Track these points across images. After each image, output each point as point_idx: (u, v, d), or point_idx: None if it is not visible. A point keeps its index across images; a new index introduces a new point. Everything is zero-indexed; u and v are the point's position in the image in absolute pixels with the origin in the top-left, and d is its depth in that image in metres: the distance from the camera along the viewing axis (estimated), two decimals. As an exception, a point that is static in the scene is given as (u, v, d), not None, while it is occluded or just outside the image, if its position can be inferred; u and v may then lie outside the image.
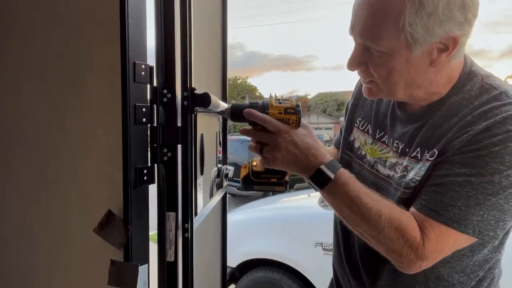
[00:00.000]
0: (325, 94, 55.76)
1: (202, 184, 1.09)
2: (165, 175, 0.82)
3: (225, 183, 1.49)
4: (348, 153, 1.06)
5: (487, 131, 0.77)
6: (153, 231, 0.78)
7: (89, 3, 0.71)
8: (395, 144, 0.93)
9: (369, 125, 1.02)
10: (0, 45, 0.75)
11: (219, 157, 1.49)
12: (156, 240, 0.84)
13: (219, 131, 1.48)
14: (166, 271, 0.84)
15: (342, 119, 1.21)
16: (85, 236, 0.72)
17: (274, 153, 0.83)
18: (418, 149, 0.86)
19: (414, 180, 0.84)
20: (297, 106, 0.85)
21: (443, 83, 0.86)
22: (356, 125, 1.06)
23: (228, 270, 2.78)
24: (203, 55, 1.14)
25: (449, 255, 0.83)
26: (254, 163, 0.95)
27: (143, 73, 0.73)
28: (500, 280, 0.96)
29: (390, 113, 0.97)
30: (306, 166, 0.82)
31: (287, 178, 0.94)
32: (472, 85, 0.84)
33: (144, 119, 0.74)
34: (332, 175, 0.80)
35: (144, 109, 0.74)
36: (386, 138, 0.96)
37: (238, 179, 0.99)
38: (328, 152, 0.85)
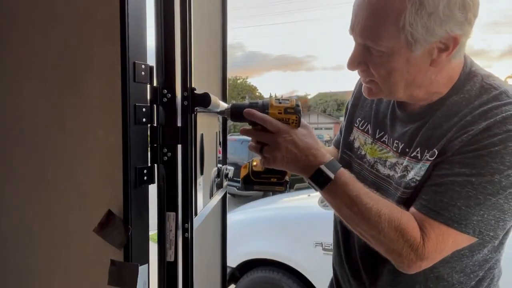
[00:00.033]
0: (325, 94, 55.75)
1: (202, 184, 1.09)
2: (165, 175, 0.82)
3: (225, 183, 1.48)
4: (348, 153, 1.06)
5: (487, 131, 0.77)
6: (153, 231, 0.78)
7: (89, 3, 0.71)
8: (395, 144, 0.93)
9: (369, 125, 1.02)
10: (0, 45, 0.75)
11: (219, 157, 1.49)
12: (156, 240, 0.84)
13: (219, 131, 1.48)
14: (166, 271, 0.84)
15: (342, 119, 1.21)
16: (85, 236, 0.72)
17: (274, 152, 0.83)
18: (418, 149, 0.86)
19: (414, 180, 0.84)
20: (297, 106, 0.85)
21: (443, 83, 0.86)
22: (356, 125, 1.06)
23: (228, 270, 2.78)
24: (203, 55, 1.14)
25: (449, 255, 0.83)
26: (254, 163, 0.95)
27: (143, 73, 0.73)
28: (500, 280, 0.96)
29: (390, 113, 0.97)
30: (306, 166, 0.82)
31: (287, 178, 0.94)
32: (472, 85, 0.84)
33: (144, 119, 0.74)
34: (332, 175, 0.80)
35: (144, 109, 0.74)
36: (386, 138, 0.96)
37: (238, 179, 0.99)
38: (328, 152, 0.85)
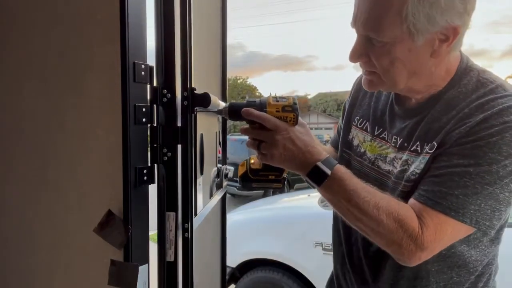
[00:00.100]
0: (325, 94, 55.79)
1: (202, 184, 1.09)
2: (165, 175, 0.82)
3: (225, 183, 1.49)
4: (347, 152, 1.07)
5: (485, 122, 0.78)
6: (153, 231, 0.78)
7: (89, 3, 0.71)
8: (393, 139, 0.94)
9: (367, 123, 1.03)
10: (0, 45, 0.75)
11: (218, 157, 1.49)
12: (156, 240, 0.84)
13: (219, 131, 1.48)
14: (166, 271, 0.84)
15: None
16: (85, 236, 0.72)
17: (272, 150, 0.84)
18: (418, 142, 0.87)
19: (414, 173, 0.86)
20: (295, 104, 0.85)
21: (442, 76, 0.88)
22: (354, 124, 1.07)
23: (228, 270, 2.78)
24: (203, 55, 1.15)
25: (450, 250, 0.85)
26: (252, 161, 0.95)
27: (143, 73, 0.73)
28: (497, 276, 0.98)
29: (388, 110, 0.98)
30: (303, 163, 0.83)
31: (284, 175, 0.94)
32: (469, 79, 0.87)
33: (144, 119, 0.74)
34: (328, 171, 0.81)
35: (144, 109, 0.74)
36: (385, 135, 0.98)
37: (238, 179, 0.99)
38: (324, 150, 0.86)
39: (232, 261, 2.79)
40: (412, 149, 0.88)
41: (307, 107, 50.17)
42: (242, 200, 7.02)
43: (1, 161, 0.77)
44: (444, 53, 0.83)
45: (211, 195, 1.28)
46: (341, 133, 1.11)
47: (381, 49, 0.82)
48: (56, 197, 0.74)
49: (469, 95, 0.84)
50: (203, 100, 0.87)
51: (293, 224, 2.81)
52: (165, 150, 0.81)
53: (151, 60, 0.77)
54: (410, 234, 0.77)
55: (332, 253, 1.15)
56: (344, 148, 1.08)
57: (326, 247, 2.45)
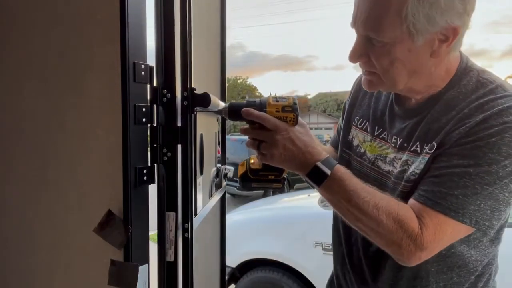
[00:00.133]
0: (325, 94, 55.77)
1: (201, 184, 1.09)
2: (165, 175, 0.82)
3: (224, 183, 1.49)
4: (347, 152, 1.07)
5: (484, 122, 0.78)
6: (153, 231, 0.78)
7: (89, 3, 0.71)
8: (393, 140, 0.94)
9: (367, 123, 1.03)
10: (0, 45, 0.75)
11: (218, 157, 1.49)
12: (156, 240, 0.84)
13: (218, 131, 1.48)
14: (166, 271, 0.84)
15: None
16: (85, 236, 0.72)
17: (272, 150, 0.84)
18: (418, 143, 0.87)
19: (414, 174, 0.86)
20: (295, 104, 0.85)
21: (441, 77, 0.88)
22: (354, 124, 1.07)
23: (228, 270, 2.78)
24: (202, 55, 1.15)
25: (450, 250, 0.85)
26: (252, 161, 0.95)
27: (143, 73, 0.73)
28: (497, 276, 0.98)
29: (388, 110, 0.98)
30: (303, 164, 0.83)
31: (284, 175, 0.94)
32: (468, 79, 0.87)
33: (144, 119, 0.74)
34: (328, 171, 0.81)
35: (144, 109, 0.74)
36: (385, 135, 0.98)
37: (238, 179, 0.99)
38: (324, 150, 0.86)
39: (232, 261, 2.79)
40: (411, 149, 0.88)
41: (307, 107, 50.17)
42: (242, 200, 7.02)
43: (1, 161, 0.77)
44: (444, 54, 0.83)
45: (210, 195, 1.28)
46: (341, 133, 1.11)
47: (381, 49, 0.82)
48: (56, 197, 0.74)
49: (468, 95, 0.84)
50: (203, 100, 0.87)
51: (293, 224, 2.81)
52: (165, 150, 0.81)
53: (151, 60, 0.77)
54: (410, 234, 0.77)
55: (332, 253, 1.15)
56: (344, 148, 1.08)
57: (326, 247, 2.45)
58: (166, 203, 0.83)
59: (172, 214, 0.83)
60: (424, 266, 0.87)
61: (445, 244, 0.82)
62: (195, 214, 0.94)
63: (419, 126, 0.88)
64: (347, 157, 1.06)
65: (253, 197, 6.77)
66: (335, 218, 1.11)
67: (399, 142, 0.92)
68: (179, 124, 0.83)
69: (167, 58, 0.81)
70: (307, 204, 3.12)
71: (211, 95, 0.88)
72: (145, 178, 0.75)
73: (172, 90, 0.81)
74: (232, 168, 1.49)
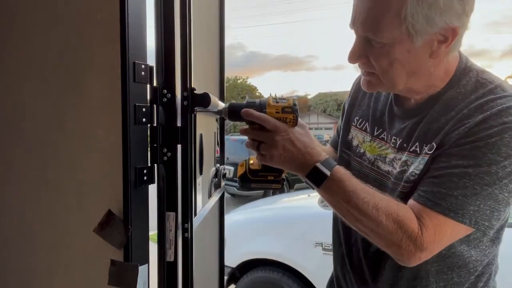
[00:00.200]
0: (325, 94, 55.77)
1: (201, 184, 1.09)
2: (165, 175, 0.82)
3: (223, 183, 1.49)
4: (346, 152, 1.07)
5: (484, 123, 0.78)
6: (153, 231, 0.78)
7: (89, 3, 0.71)
8: (393, 140, 0.94)
9: (367, 123, 1.03)
10: (0, 45, 0.75)
11: (217, 157, 1.49)
12: (156, 240, 0.84)
13: (217, 131, 1.49)
14: (166, 271, 0.84)
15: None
16: (85, 236, 0.72)
17: (271, 150, 0.84)
18: (417, 143, 0.87)
19: (414, 174, 0.86)
20: (294, 105, 0.85)
21: (441, 77, 0.88)
22: (353, 124, 1.07)
23: (228, 270, 2.78)
24: (202, 55, 1.15)
25: (450, 250, 0.85)
26: (251, 161, 0.95)
27: (143, 73, 0.73)
28: (497, 276, 0.98)
29: (388, 111, 0.98)
30: (302, 164, 0.83)
31: (284, 175, 0.94)
32: (468, 80, 0.87)
33: (144, 119, 0.74)
34: (328, 172, 0.81)
35: (144, 109, 0.74)
36: (384, 135, 0.98)
37: (237, 179, 0.99)
38: (323, 151, 0.86)
39: (232, 261, 2.79)
40: (411, 149, 0.88)
41: (307, 107, 50.17)
42: (242, 200, 7.02)
43: (1, 161, 0.77)
44: (443, 54, 0.83)
45: (209, 195, 1.28)
46: (341, 134, 1.11)
47: (380, 50, 0.82)
48: (56, 197, 0.74)
49: (468, 95, 0.84)
50: (203, 100, 0.87)
51: (293, 224, 2.81)
52: (165, 150, 0.82)
53: (151, 60, 0.77)
54: (410, 235, 0.78)
55: (332, 253, 1.15)
56: (344, 149, 1.08)
57: (326, 247, 2.45)
58: (166, 203, 0.83)
59: (172, 214, 0.83)
60: (424, 266, 0.87)
61: (444, 244, 0.82)
62: (195, 214, 0.94)
63: (418, 127, 0.88)
64: (347, 158, 1.06)
65: (253, 197, 6.77)
66: (335, 219, 1.11)
67: (398, 142, 0.92)
68: (179, 124, 0.83)
69: (167, 58, 0.81)
70: (307, 204, 3.12)
71: (210, 95, 0.88)
72: (145, 178, 0.75)
73: (172, 90, 0.81)
74: (231, 168, 1.50)
